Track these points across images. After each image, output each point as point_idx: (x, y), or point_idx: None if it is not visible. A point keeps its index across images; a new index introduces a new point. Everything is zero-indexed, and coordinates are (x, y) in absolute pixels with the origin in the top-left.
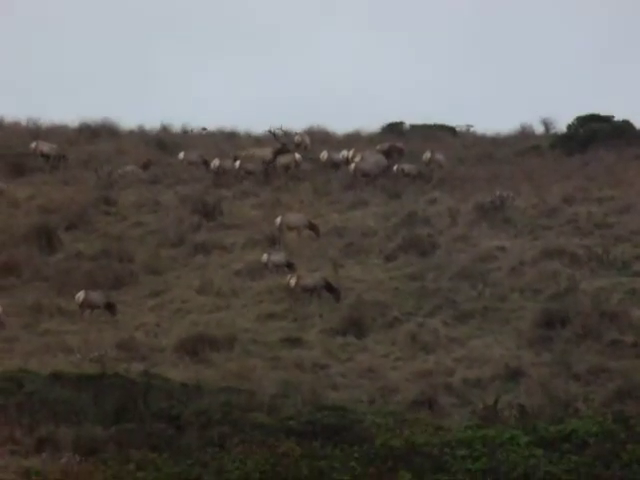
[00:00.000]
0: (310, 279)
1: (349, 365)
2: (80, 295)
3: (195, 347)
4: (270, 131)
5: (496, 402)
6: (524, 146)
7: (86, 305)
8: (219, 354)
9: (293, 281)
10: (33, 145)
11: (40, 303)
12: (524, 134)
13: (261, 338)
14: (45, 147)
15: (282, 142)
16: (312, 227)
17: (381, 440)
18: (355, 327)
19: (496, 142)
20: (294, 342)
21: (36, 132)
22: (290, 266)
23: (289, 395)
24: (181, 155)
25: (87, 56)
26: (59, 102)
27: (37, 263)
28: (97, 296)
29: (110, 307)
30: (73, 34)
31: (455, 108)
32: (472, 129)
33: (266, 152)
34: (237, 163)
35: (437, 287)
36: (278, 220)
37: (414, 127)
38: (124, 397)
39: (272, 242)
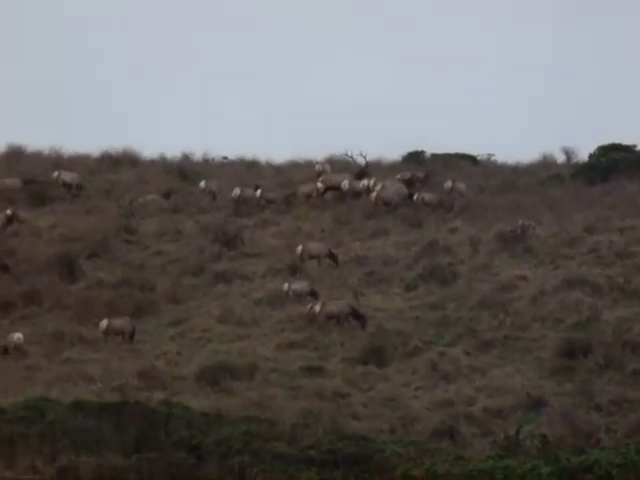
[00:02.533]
0: (335, 306)
1: (370, 394)
2: (104, 323)
3: (216, 376)
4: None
5: (517, 432)
6: (545, 175)
7: (111, 332)
8: (240, 383)
9: (317, 308)
10: (55, 174)
11: (61, 331)
12: (545, 163)
13: (282, 367)
14: (67, 176)
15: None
16: (331, 256)
17: (402, 470)
18: (376, 356)
19: (517, 171)
20: (315, 371)
21: (58, 161)
22: (313, 294)
23: (310, 424)
24: (202, 184)
25: (110, 85)
26: (81, 131)
27: (59, 291)
28: (121, 323)
29: (131, 334)
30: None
31: (476, 136)
32: (493, 158)
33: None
34: (258, 192)
35: (458, 316)
36: (299, 249)
37: (435, 156)
38: (145, 426)
39: (293, 271)
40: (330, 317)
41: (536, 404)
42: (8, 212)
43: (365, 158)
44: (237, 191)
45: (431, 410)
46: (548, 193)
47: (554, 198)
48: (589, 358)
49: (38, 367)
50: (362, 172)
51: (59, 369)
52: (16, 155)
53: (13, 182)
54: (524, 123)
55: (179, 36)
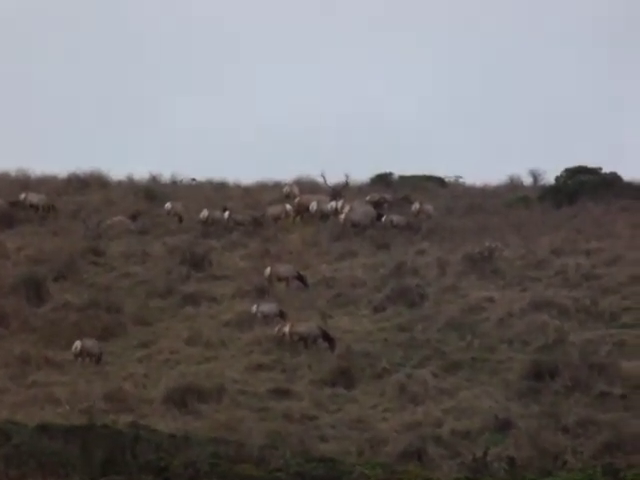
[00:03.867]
0: (304, 327)
1: (338, 416)
2: (77, 344)
3: (183, 398)
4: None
5: (485, 454)
6: (513, 197)
7: (83, 354)
8: (208, 405)
9: (287, 329)
10: (22, 196)
11: (28, 354)
12: (512, 185)
13: (250, 389)
14: (34, 198)
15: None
16: (300, 278)
17: None
18: (344, 378)
19: (485, 193)
20: (283, 393)
21: (25, 183)
22: (282, 315)
23: (278, 446)
24: (168, 205)
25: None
26: (48, 153)
27: (25, 314)
28: (91, 344)
29: (99, 357)
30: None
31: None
32: (461, 180)
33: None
34: (226, 213)
35: (426, 338)
36: (267, 271)
37: (403, 178)
38: (112, 449)
39: (261, 293)
40: (299, 338)
41: (503, 426)
42: None
43: (347, 178)
44: (205, 213)
45: (399, 432)
46: (515, 215)
47: (521, 220)
48: (556, 380)
49: (5, 390)
50: (337, 192)
51: (25, 392)
52: None
53: None
54: (491, 145)
55: (146, 49)
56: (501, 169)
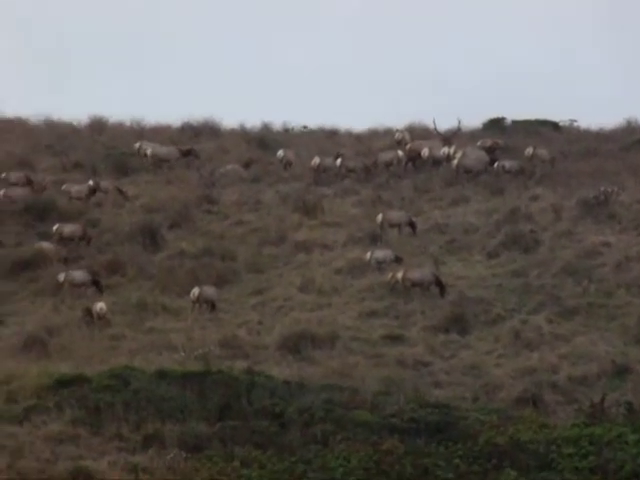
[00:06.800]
0: (418, 273)
1: (452, 362)
2: (195, 291)
3: (297, 345)
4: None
5: (603, 400)
6: (629, 141)
7: (201, 301)
8: (321, 351)
9: (400, 275)
10: (137, 145)
11: (145, 301)
12: (629, 128)
13: (363, 335)
14: (149, 147)
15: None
16: (411, 224)
17: (485, 437)
18: (457, 324)
19: (600, 137)
20: (396, 339)
21: (140, 132)
22: (398, 261)
23: (391, 392)
24: (280, 153)
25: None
26: (162, 102)
27: (141, 261)
28: (210, 292)
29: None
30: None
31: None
32: (576, 124)
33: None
34: (338, 161)
35: (541, 283)
36: (379, 217)
37: (516, 122)
38: (228, 394)
39: (373, 239)
40: (412, 284)
41: (621, 371)
42: (91, 183)
43: (459, 124)
44: (317, 160)
45: (514, 378)
46: (632, 159)
47: (638, 164)
48: None
49: (122, 336)
50: (449, 138)
51: (143, 338)
52: (99, 126)
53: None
54: (608, 89)
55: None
56: (618, 113)
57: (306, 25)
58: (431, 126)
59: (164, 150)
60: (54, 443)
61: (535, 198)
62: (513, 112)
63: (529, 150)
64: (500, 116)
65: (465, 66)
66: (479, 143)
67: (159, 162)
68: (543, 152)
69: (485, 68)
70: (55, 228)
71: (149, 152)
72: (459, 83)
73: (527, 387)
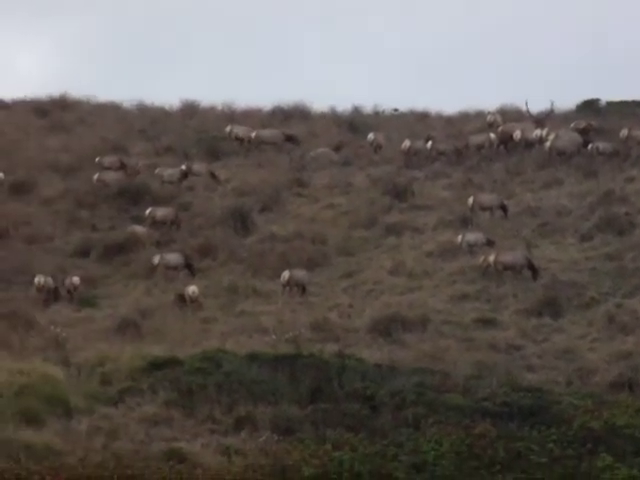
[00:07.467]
0: (510, 256)
1: (545, 346)
2: (286, 274)
3: (388, 328)
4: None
5: None
6: None
7: (291, 284)
8: (412, 335)
9: (492, 258)
10: (228, 129)
11: (236, 284)
12: None
13: (454, 319)
14: (240, 130)
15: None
16: (503, 207)
17: (580, 422)
18: (550, 308)
19: None
20: (488, 323)
21: (231, 116)
22: (490, 244)
23: (483, 376)
24: (370, 136)
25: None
26: (253, 86)
27: (232, 245)
28: (301, 275)
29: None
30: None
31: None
32: None
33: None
34: (429, 143)
35: (636, 267)
36: (470, 200)
37: (610, 104)
38: (319, 377)
39: (464, 222)
40: (504, 268)
41: None
42: (183, 167)
43: (552, 105)
44: (407, 143)
45: (608, 362)
46: None
47: None
48: None
49: (214, 319)
50: (542, 120)
51: (234, 321)
52: (190, 110)
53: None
54: None
55: None
56: None
57: (401, 9)
58: (523, 108)
59: (267, 133)
60: (148, 425)
61: (630, 180)
62: (609, 94)
63: (624, 132)
64: (594, 98)
65: (560, 47)
66: (572, 125)
67: (261, 145)
68: (639, 134)
69: (580, 50)
70: (148, 212)
71: (253, 135)
72: (553, 65)
73: (622, 371)
